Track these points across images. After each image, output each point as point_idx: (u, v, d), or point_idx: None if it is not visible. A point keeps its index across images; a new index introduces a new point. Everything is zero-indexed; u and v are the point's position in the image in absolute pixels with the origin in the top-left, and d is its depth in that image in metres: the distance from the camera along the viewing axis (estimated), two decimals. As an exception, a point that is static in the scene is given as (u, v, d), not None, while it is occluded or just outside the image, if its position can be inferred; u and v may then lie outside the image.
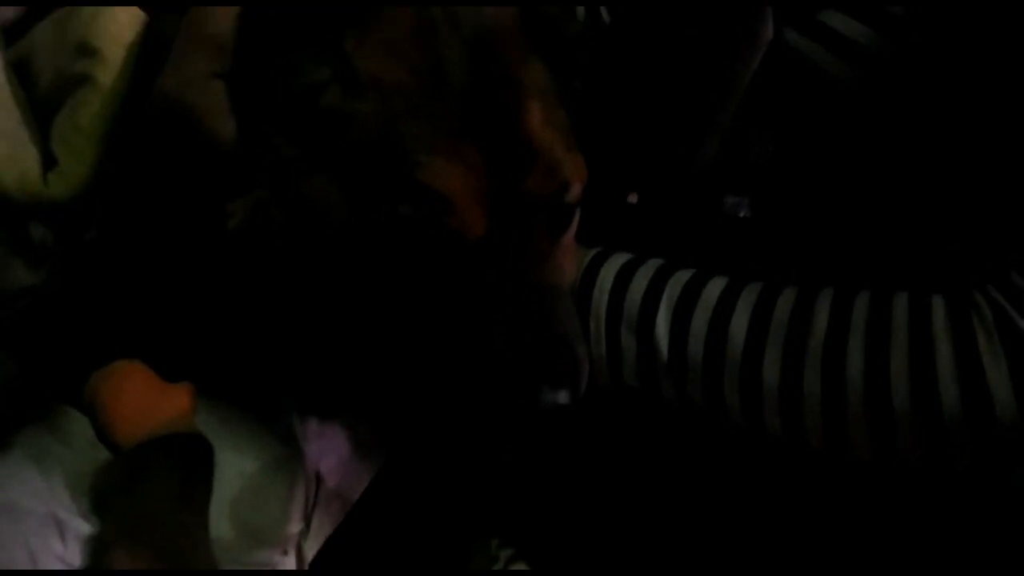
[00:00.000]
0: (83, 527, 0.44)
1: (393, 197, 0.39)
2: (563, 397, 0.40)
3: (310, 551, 0.51)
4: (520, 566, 0.60)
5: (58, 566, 0.43)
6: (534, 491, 0.63)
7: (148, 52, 0.47)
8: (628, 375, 0.51)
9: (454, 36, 0.41)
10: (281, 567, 0.50)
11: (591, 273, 0.55)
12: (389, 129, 0.39)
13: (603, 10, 0.69)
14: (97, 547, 0.44)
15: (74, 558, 0.43)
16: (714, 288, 0.51)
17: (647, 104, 0.74)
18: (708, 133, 0.75)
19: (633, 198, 0.78)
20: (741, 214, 0.78)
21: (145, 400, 0.49)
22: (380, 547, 0.56)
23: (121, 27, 0.47)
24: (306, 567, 0.51)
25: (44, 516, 0.44)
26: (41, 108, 0.47)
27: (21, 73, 0.48)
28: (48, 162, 0.44)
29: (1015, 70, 0.46)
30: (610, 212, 0.73)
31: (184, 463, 0.47)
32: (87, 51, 0.45)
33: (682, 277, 0.52)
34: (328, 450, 0.54)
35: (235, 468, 0.50)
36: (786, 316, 0.48)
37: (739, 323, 0.48)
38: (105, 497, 0.46)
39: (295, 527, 0.51)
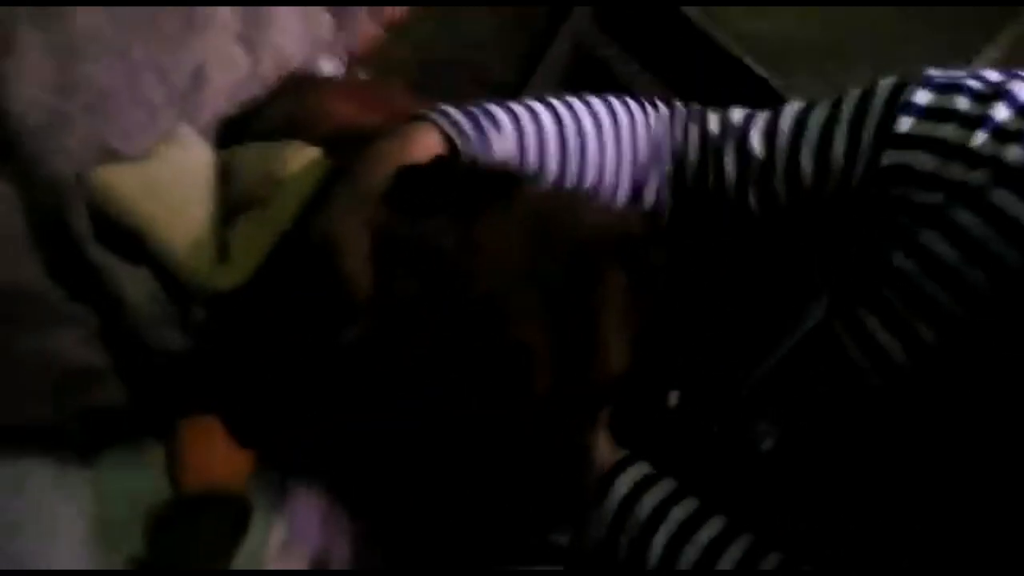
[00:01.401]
0: (137, 544, 0.53)
1: (485, 347, 0.48)
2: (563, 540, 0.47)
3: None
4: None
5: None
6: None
7: (324, 188, 0.59)
8: (617, 568, 0.58)
9: (564, 238, 0.51)
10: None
11: (613, 472, 0.62)
12: (494, 290, 0.48)
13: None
14: (137, 569, 0.53)
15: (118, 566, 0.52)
16: (710, 530, 0.57)
17: (705, 334, 0.82)
18: (748, 373, 0.82)
19: (673, 399, 0.85)
20: (764, 446, 0.83)
21: (214, 455, 0.59)
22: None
23: (305, 168, 0.59)
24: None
25: (113, 524, 0.54)
26: (230, 210, 0.59)
27: (224, 177, 0.61)
28: (222, 257, 0.56)
29: None
30: (648, 408, 0.81)
31: (227, 518, 0.56)
32: (276, 183, 0.58)
33: (687, 507, 0.58)
34: (343, 535, 0.62)
35: (267, 535, 0.59)
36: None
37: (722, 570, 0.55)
38: (158, 528, 0.55)
39: (293, 601, 0.59)
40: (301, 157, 0.59)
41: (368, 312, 0.51)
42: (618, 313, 0.52)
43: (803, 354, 0.75)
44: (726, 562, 0.55)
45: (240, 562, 0.56)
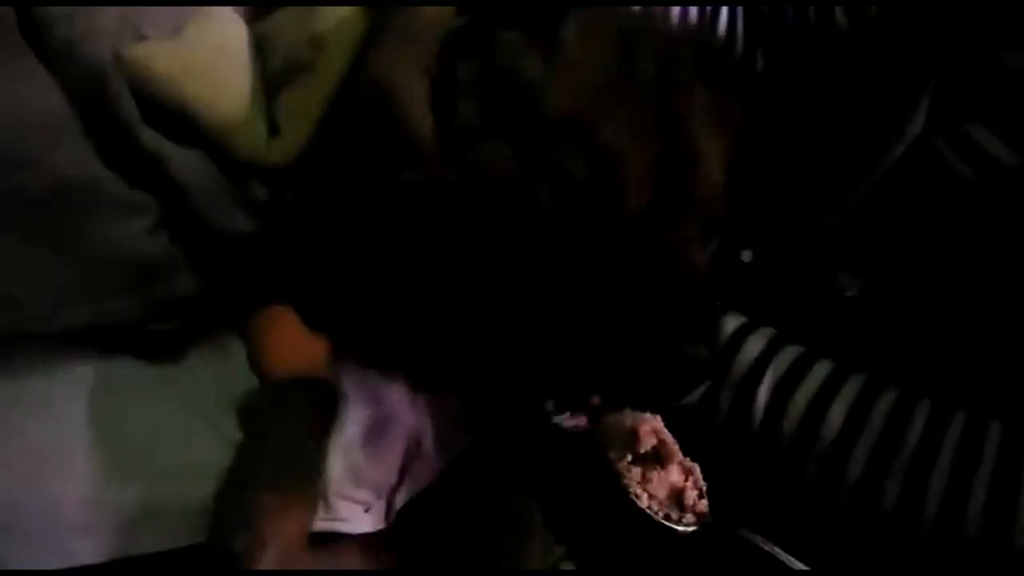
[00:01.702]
0: (234, 432, 0.53)
1: (570, 157, 0.44)
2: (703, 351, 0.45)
3: (399, 502, 0.59)
4: (568, 566, 0.66)
5: (211, 462, 0.51)
6: (592, 495, 0.68)
7: (369, 43, 0.54)
8: (718, 425, 0.56)
9: (650, 46, 0.47)
10: (374, 509, 0.58)
11: (739, 336, 0.59)
12: (580, 103, 0.44)
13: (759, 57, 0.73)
14: (239, 452, 0.52)
15: (224, 457, 0.52)
16: (819, 371, 0.54)
17: (784, 165, 0.77)
18: (836, 207, 0.78)
19: (747, 256, 0.82)
20: (849, 293, 0.80)
21: (291, 343, 0.58)
22: (454, 512, 0.63)
23: (347, 23, 0.55)
24: (392, 516, 0.59)
25: (207, 416, 0.53)
26: (271, 84, 0.55)
27: (260, 49, 0.57)
28: (272, 131, 0.53)
29: None
30: (723, 266, 0.78)
31: (314, 401, 0.55)
32: (318, 43, 0.54)
33: (791, 353, 0.56)
34: (432, 416, 0.61)
35: (353, 418, 0.58)
36: (882, 419, 0.51)
37: (837, 412, 0.52)
38: (249, 416, 0.54)
39: (392, 479, 0.59)
40: (342, 11, 0.54)
41: (431, 154, 0.47)
42: (711, 125, 0.48)
43: (890, 185, 0.70)
44: (842, 400, 0.52)
45: (337, 446, 0.56)
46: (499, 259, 0.47)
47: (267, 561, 0.48)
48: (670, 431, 0.59)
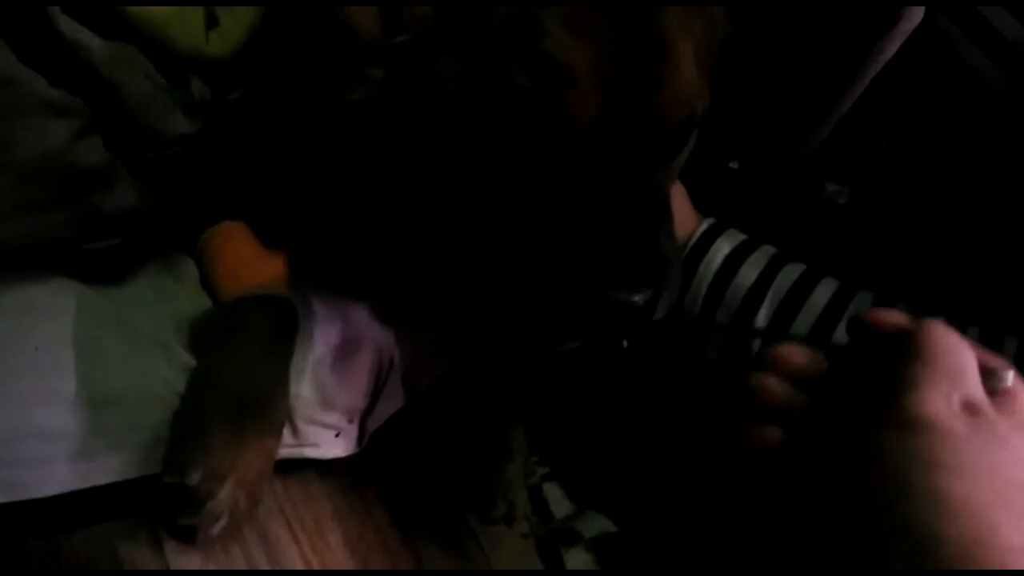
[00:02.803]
0: (187, 358, 0.49)
1: (514, 68, 0.39)
2: (639, 298, 0.39)
3: (371, 425, 0.56)
4: (552, 486, 0.64)
5: (163, 388, 0.48)
6: (575, 413, 0.66)
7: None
8: (710, 350, 0.53)
9: None
10: (345, 433, 0.55)
11: (703, 244, 0.56)
12: (522, 7, 0.39)
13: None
14: (193, 378, 0.49)
15: (177, 383, 0.48)
16: (823, 292, 0.52)
17: (771, 70, 0.72)
18: (826, 114, 0.73)
19: (734, 164, 0.78)
20: (840, 202, 0.77)
21: (245, 260, 0.54)
22: (431, 435, 0.61)
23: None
24: (365, 440, 0.56)
25: (155, 340, 0.49)
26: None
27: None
28: (210, 23, 0.47)
29: None
30: (710, 174, 0.74)
31: (273, 321, 0.52)
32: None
33: (792, 273, 0.53)
34: (404, 339, 0.58)
35: (321, 336, 0.55)
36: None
37: (843, 334, 0.49)
38: (203, 339, 0.51)
39: (363, 401, 0.56)
40: None
41: (377, 60, 0.43)
42: (692, 23, 0.43)
43: (888, 83, 0.66)
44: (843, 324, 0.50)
45: (302, 365, 0.52)
46: (445, 178, 0.44)
47: (224, 494, 0.46)
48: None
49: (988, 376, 0.34)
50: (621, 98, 0.41)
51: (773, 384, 0.37)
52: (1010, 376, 0.34)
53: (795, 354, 0.37)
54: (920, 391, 0.32)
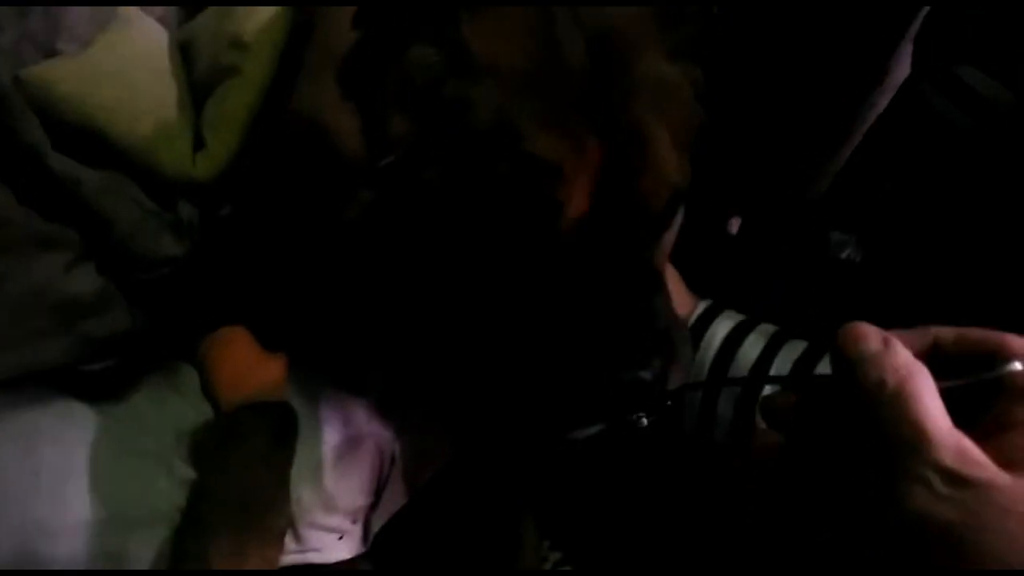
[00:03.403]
0: (187, 471, 0.50)
1: (502, 170, 0.39)
2: (646, 373, 0.39)
3: (376, 524, 0.56)
4: (566, 570, 0.63)
5: (164, 503, 0.48)
6: (587, 498, 0.65)
7: (293, 46, 0.51)
8: (718, 435, 0.52)
9: (573, 25, 0.41)
10: (349, 534, 0.54)
11: (700, 326, 0.55)
12: (504, 111, 0.40)
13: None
14: (194, 492, 0.49)
15: (178, 498, 0.48)
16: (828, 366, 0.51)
17: (768, 124, 0.73)
18: (824, 164, 0.73)
19: (734, 227, 0.78)
20: (845, 255, 0.76)
21: (245, 366, 0.55)
22: (437, 528, 0.60)
23: (269, 24, 0.50)
24: (370, 539, 0.55)
25: (156, 455, 0.50)
26: (196, 93, 0.51)
27: (183, 56, 0.53)
28: (197, 144, 0.49)
29: None
30: (710, 238, 0.73)
31: (273, 428, 0.52)
32: (239, 45, 0.49)
33: (794, 351, 0.52)
34: (404, 433, 0.58)
35: (322, 437, 0.55)
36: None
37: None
38: (203, 451, 0.51)
39: (366, 500, 0.55)
40: (262, 12, 0.50)
41: (368, 180, 0.44)
42: (665, 109, 0.43)
43: (878, 137, 0.65)
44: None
45: (302, 469, 0.52)
46: (440, 278, 0.44)
47: (229, 608, 0.45)
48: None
49: (984, 363, 0.30)
50: (606, 189, 0.41)
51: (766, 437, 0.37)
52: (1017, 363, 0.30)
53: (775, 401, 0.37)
54: (896, 487, 0.30)
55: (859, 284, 0.68)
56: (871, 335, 0.34)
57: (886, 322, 0.56)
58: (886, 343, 0.33)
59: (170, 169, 0.47)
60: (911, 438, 0.30)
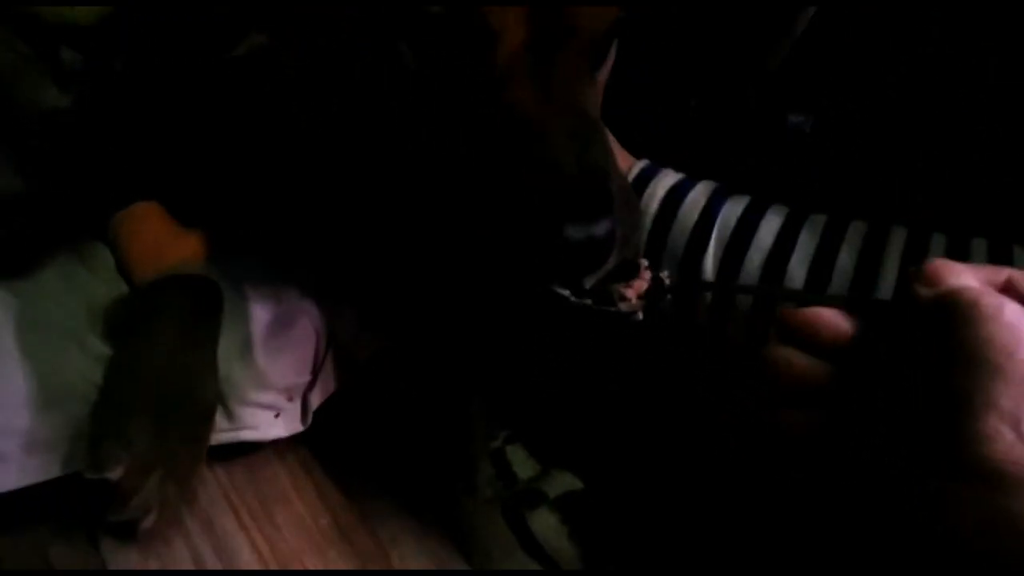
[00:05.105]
0: (102, 348, 0.47)
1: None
2: (597, 230, 0.36)
3: (315, 402, 0.54)
4: (516, 448, 0.62)
5: (79, 380, 0.46)
6: (536, 375, 0.64)
7: None
8: (733, 331, 0.50)
9: None
10: (286, 412, 0.52)
11: (637, 186, 0.53)
12: None
13: None
14: (109, 368, 0.46)
15: (93, 374, 0.46)
16: (770, 224, 0.48)
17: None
18: (782, 35, 0.69)
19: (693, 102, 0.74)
20: (806, 131, 0.73)
21: (160, 241, 0.51)
22: (380, 409, 0.58)
23: None
24: (309, 418, 0.53)
25: (69, 332, 0.47)
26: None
27: None
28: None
29: None
30: (670, 115, 0.70)
31: (192, 302, 0.49)
32: None
33: (735, 208, 0.50)
34: (343, 311, 0.55)
35: (251, 314, 0.52)
36: (851, 265, 0.45)
37: (798, 270, 0.46)
38: (119, 327, 0.48)
39: (303, 378, 0.53)
40: None
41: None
42: None
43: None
44: (801, 253, 0.46)
45: (230, 345, 0.50)
46: (364, 122, 0.40)
47: (150, 487, 0.43)
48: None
49: None
50: (543, 16, 0.37)
51: (797, 358, 0.33)
52: None
53: (820, 320, 0.33)
54: (979, 425, 0.27)
55: (808, 153, 0.66)
56: (960, 268, 0.31)
57: (832, 190, 0.54)
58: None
59: (48, 12, 0.42)
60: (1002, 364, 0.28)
